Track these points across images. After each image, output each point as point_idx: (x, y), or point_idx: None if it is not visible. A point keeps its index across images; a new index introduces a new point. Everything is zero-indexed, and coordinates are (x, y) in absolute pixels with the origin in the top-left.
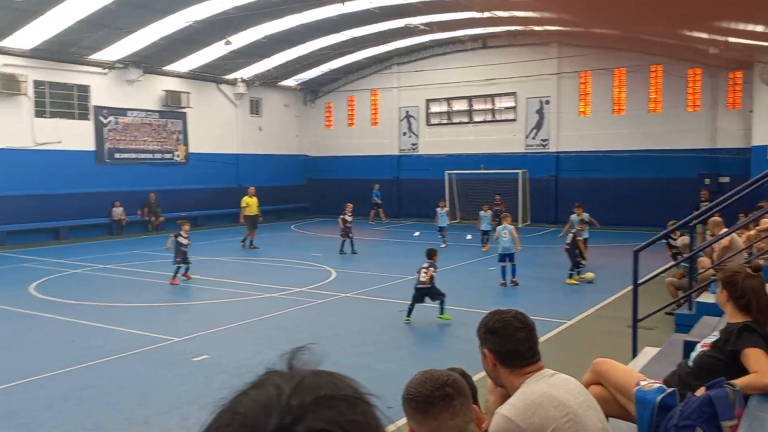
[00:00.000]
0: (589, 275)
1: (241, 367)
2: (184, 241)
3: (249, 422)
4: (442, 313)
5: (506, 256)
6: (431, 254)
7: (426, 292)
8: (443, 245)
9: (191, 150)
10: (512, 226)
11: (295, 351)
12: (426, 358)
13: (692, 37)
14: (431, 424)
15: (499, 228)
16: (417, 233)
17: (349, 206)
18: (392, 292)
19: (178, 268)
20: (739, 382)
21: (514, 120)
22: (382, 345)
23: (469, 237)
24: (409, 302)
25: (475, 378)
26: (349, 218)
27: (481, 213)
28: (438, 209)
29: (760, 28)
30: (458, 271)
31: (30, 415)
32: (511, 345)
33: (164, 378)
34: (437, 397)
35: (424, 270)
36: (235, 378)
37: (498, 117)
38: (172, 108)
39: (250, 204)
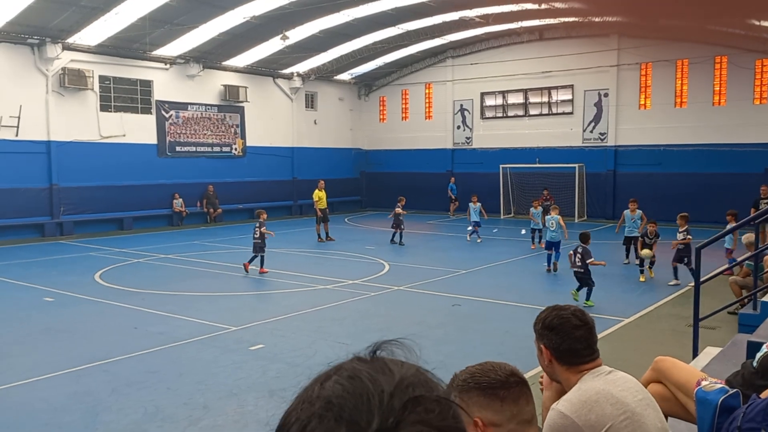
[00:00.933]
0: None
1: (297, 356)
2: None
3: (348, 417)
4: (587, 299)
5: (553, 245)
6: (584, 238)
7: (578, 276)
8: (478, 240)
9: (248, 143)
10: (559, 216)
11: (382, 341)
12: (476, 352)
13: (761, 27)
14: (511, 409)
15: (547, 217)
16: (523, 231)
17: (402, 200)
18: (445, 285)
19: (258, 257)
20: None
21: (571, 113)
22: (437, 338)
23: (523, 231)
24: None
25: (530, 374)
26: (401, 211)
27: (532, 210)
28: (470, 204)
29: None
30: (512, 266)
31: (95, 398)
32: (569, 342)
33: (222, 365)
34: (513, 383)
35: (578, 254)
36: (290, 367)
37: (554, 110)
38: (230, 102)
39: (322, 198)
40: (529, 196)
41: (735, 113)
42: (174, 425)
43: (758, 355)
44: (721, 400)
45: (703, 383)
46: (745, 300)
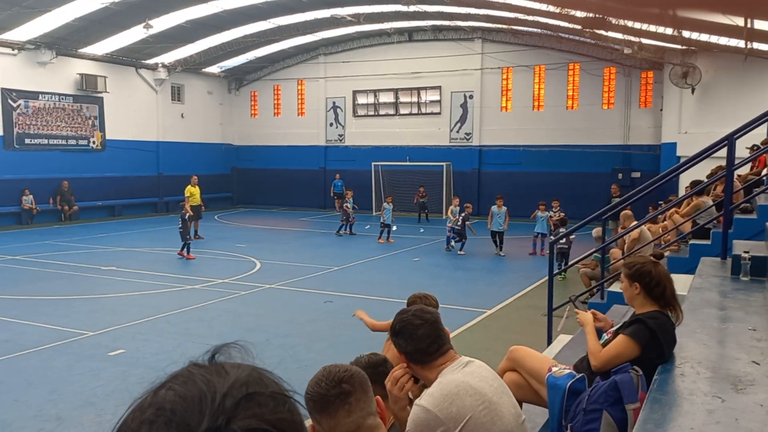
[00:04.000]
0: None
1: (160, 360)
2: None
3: (179, 420)
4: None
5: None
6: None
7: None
8: (390, 240)
9: (108, 137)
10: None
11: (220, 346)
12: (348, 349)
13: (609, 37)
14: (328, 422)
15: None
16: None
17: (350, 193)
18: (317, 282)
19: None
20: (588, 346)
21: (439, 113)
22: (308, 336)
23: (395, 228)
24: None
25: None
26: (349, 204)
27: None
28: (385, 204)
29: (669, 31)
30: (382, 262)
31: None
32: (415, 343)
33: (77, 373)
34: (333, 396)
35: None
36: (153, 372)
37: (423, 110)
38: (88, 92)
39: (194, 194)
40: (400, 193)
41: (586, 117)
42: None
43: (600, 342)
44: (568, 384)
45: (554, 369)
46: (594, 290)
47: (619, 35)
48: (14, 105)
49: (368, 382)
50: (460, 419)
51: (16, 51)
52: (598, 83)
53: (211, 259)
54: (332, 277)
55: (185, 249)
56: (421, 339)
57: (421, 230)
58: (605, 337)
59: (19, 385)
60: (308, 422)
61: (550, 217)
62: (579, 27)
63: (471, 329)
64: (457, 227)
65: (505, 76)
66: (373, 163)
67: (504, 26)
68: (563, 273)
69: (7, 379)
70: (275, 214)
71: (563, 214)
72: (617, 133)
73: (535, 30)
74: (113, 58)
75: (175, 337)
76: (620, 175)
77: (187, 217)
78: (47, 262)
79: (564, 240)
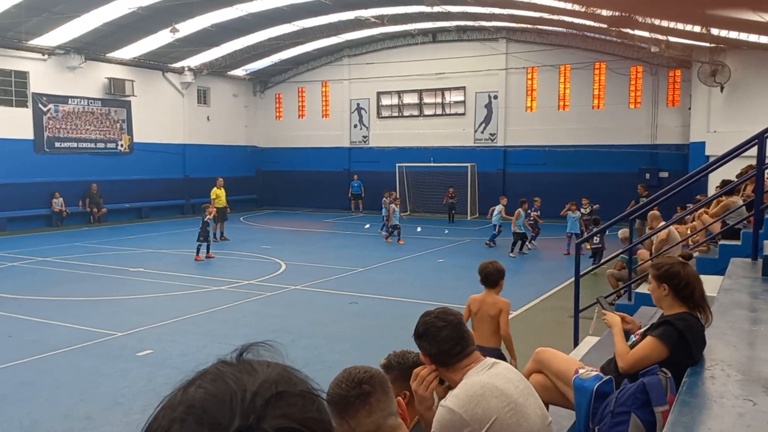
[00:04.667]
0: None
1: (187, 361)
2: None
3: (210, 419)
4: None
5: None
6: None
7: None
8: (401, 242)
9: (136, 140)
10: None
11: (248, 344)
12: (373, 350)
13: (635, 36)
14: (349, 423)
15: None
16: (367, 225)
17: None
18: (342, 284)
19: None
20: (616, 347)
21: (463, 114)
22: (333, 337)
23: (419, 229)
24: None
25: None
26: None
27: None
28: (392, 205)
29: (697, 29)
30: (407, 263)
31: None
32: (438, 345)
33: (106, 374)
34: (353, 397)
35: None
36: (179, 373)
37: (448, 111)
38: (116, 96)
39: (220, 195)
40: (424, 194)
41: (612, 116)
42: None
43: (628, 343)
44: (596, 386)
45: (580, 371)
46: (621, 291)
47: (645, 34)
48: (44, 109)
49: (388, 382)
50: (486, 421)
51: (46, 56)
52: (625, 82)
53: (236, 260)
54: (356, 279)
55: (205, 250)
56: (445, 341)
57: (446, 231)
58: (633, 338)
59: (50, 385)
60: None
61: (582, 216)
62: (605, 26)
63: None
64: (530, 222)
65: (530, 76)
66: (397, 165)
67: (529, 26)
68: (595, 270)
69: (37, 379)
70: (300, 216)
71: (596, 205)
72: (644, 132)
73: (560, 29)
74: (140, 62)
75: (201, 338)
76: (647, 175)
77: (210, 219)
78: (77, 263)
79: (598, 239)
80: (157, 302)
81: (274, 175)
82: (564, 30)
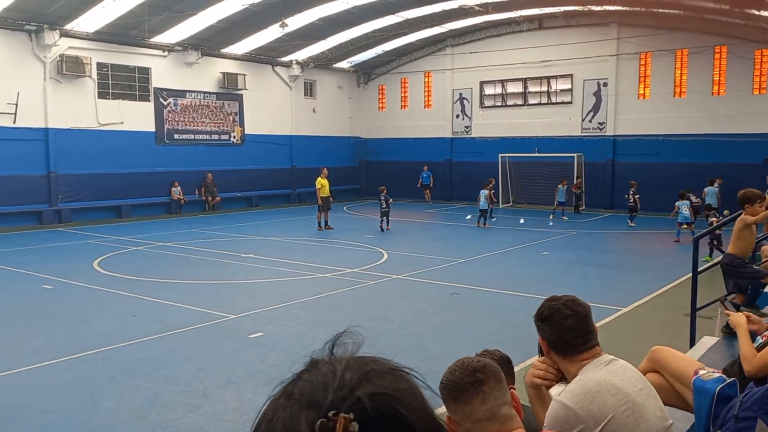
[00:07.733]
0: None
1: (294, 345)
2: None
3: (308, 399)
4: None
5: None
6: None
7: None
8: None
9: (247, 131)
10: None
11: (337, 336)
12: (476, 341)
13: (761, 16)
14: (463, 409)
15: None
16: (469, 216)
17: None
18: (444, 274)
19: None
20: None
21: (570, 102)
22: (435, 327)
23: (522, 221)
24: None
25: (524, 365)
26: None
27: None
28: (483, 190)
29: None
30: (510, 255)
31: (94, 385)
32: (560, 333)
33: (221, 353)
34: (467, 383)
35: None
36: (288, 356)
37: (553, 99)
38: (229, 90)
39: (325, 185)
40: (527, 185)
41: (734, 103)
42: (173, 412)
43: (755, 345)
44: (718, 389)
45: (701, 372)
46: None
47: None
48: (165, 103)
49: (502, 374)
50: (601, 418)
51: (166, 53)
52: (749, 67)
53: (340, 249)
54: (459, 269)
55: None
56: (568, 330)
57: (551, 223)
58: (760, 340)
59: (171, 361)
60: (441, 409)
61: (691, 204)
62: (727, 7)
63: (604, 328)
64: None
65: (643, 62)
66: (500, 155)
67: (642, 9)
68: (709, 256)
69: (160, 356)
70: (402, 206)
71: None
72: None
73: (676, 12)
74: (252, 57)
75: (308, 323)
76: None
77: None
78: (194, 248)
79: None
80: (267, 287)
81: (377, 166)
82: (681, 12)
